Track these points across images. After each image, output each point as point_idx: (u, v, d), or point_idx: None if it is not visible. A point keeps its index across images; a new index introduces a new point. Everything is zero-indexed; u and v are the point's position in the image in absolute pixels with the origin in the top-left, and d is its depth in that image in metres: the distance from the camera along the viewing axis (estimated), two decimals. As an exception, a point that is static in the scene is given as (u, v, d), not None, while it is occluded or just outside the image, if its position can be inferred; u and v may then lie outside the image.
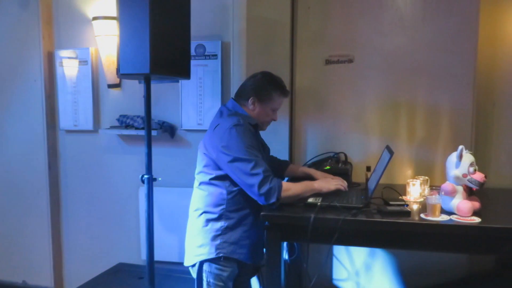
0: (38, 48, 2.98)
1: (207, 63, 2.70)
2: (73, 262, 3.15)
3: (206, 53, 2.70)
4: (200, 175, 1.94)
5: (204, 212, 1.90)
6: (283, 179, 2.20)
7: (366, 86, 2.46)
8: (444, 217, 1.67)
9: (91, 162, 3.03)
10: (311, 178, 2.12)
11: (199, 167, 1.97)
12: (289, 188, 1.82)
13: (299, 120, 2.58)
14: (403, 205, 1.79)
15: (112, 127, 2.92)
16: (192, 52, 2.60)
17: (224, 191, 1.87)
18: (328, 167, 2.30)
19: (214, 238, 1.87)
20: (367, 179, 2.11)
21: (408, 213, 1.72)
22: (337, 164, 2.35)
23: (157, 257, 2.21)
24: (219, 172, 1.87)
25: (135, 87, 2.86)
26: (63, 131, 3.07)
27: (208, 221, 1.89)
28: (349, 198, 1.88)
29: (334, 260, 2.58)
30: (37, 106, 3.03)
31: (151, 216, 2.09)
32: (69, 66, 2.97)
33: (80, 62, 2.95)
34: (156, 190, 2.17)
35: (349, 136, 2.50)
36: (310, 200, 1.85)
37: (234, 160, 1.78)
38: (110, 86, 2.92)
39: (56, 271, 3.14)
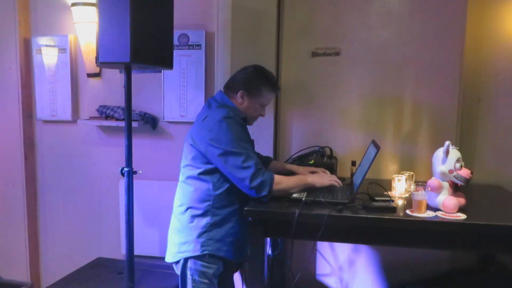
0: (14, 34, 2.86)
1: (190, 53, 2.64)
2: (50, 257, 3.07)
3: (189, 43, 2.63)
4: (187, 169, 1.89)
5: (189, 207, 1.86)
6: None
7: (353, 79, 2.44)
8: (429, 214, 1.66)
9: (69, 154, 2.94)
10: (293, 174, 2.08)
11: (186, 160, 1.91)
12: (281, 181, 1.79)
13: (284, 113, 2.54)
14: (388, 200, 1.78)
15: (92, 118, 2.83)
16: (175, 41, 2.54)
17: (211, 187, 1.83)
18: (312, 162, 2.28)
19: (199, 235, 1.82)
20: (352, 174, 2.09)
21: (393, 209, 1.71)
22: (322, 159, 2.33)
23: (138, 251, 2.17)
24: (208, 166, 1.82)
25: (116, 77, 2.77)
26: (40, 121, 2.97)
27: (194, 217, 1.84)
28: (335, 194, 1.86)
29: (318, 255, 2.56)
30: (12, 95, 2.92)
31: (131, 210, 2.03)
32: (46, 54, 2.87)
33: (58, 49, 2.85)
34: (136, 183, 2.11)
35: (335, 130, 2.48)
36: (295, 195, 1.82)
37: (225, 153, 1.75)
38: (90, 75, 2.83)
39: (33, 266, 3.05)
